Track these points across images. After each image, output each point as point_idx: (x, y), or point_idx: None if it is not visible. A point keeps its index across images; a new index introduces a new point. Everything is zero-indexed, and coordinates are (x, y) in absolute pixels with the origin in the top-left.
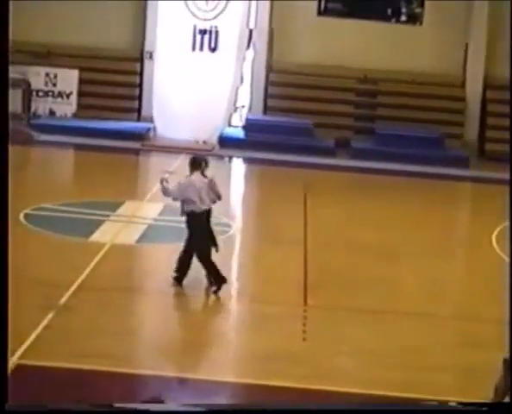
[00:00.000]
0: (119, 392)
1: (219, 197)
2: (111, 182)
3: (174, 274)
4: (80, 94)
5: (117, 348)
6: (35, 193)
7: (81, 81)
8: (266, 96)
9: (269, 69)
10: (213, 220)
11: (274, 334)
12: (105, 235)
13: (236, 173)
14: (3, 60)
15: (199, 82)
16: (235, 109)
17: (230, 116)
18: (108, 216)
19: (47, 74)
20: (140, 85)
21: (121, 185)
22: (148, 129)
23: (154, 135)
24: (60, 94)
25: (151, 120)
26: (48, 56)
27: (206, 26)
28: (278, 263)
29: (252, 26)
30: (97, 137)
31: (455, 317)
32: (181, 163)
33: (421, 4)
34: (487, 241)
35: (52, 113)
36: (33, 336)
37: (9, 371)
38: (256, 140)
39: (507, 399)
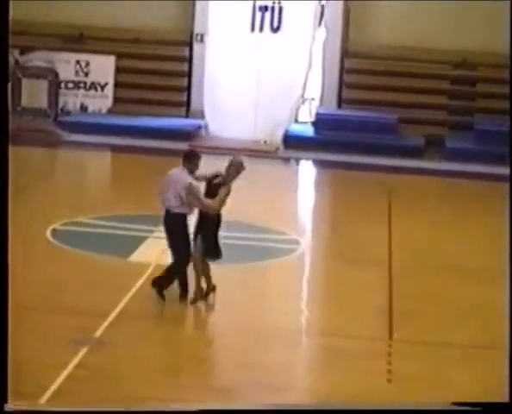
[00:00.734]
0: None
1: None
2: (155, 190)
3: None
4: (117, 85)
5: (165, 389)
6: (65, 205)
7: (118, 70)
8: (341, 85)
9: (344, 53)
10: (278, 236)
11: (352, 374)
12: (149, 253)
13: (305, 179)
14: (3, 56)
15: (259, 69)
16: (303, 102)
17: (297, 110)
18: (151, 231)
19: (78, 62)
20: (189, 74)
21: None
22: (198, 127)
23: (205, 134)
24: (94, 85)
25: (201, 116)
26: (80, 40)
27: (267, 2)
28: (357, 288)
29: (323, 1)
30: (138, 137)
31: None
32: None
33: None
34: None
35: (83, 108)
36: (63, 377)
37: None
38: (328, 138)
39: (506, 399)
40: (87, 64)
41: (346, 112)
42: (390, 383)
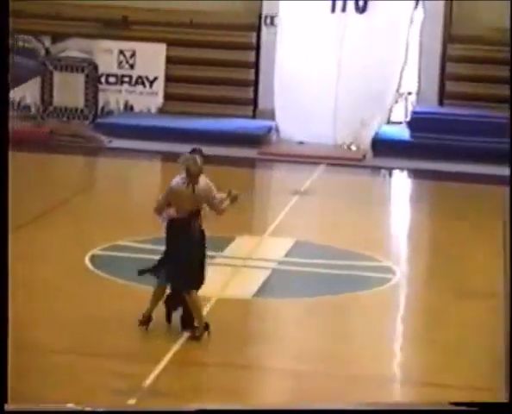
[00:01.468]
0: None
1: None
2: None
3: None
4: (169, 79)
5: None
6: (106, 225)
7: (170, 61)
8: (443, 77)
9: (447, 38)
10: (368, 262)
11: None
12: (209, 285)
13: (399, 193)
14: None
15: (341, 58)
16: (397, 98)
17: (389, 108)
18: (212, 257)
19: (122, 52)
20: (256, 65)
21: (229, 212)
22: (268, 130)
23: (276, 138)
24: (141, 80)
25: (271, 115)
26: (123, 25)
27: None
28: (467, 326)
29: None
30: (194, 142)
31: None
32: (317, 179)
33: None
34: None
35: (128, 108)
36: None
37: None
38: (427, 143)
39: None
40: (132, 54)
41: (448, 110)
42: None
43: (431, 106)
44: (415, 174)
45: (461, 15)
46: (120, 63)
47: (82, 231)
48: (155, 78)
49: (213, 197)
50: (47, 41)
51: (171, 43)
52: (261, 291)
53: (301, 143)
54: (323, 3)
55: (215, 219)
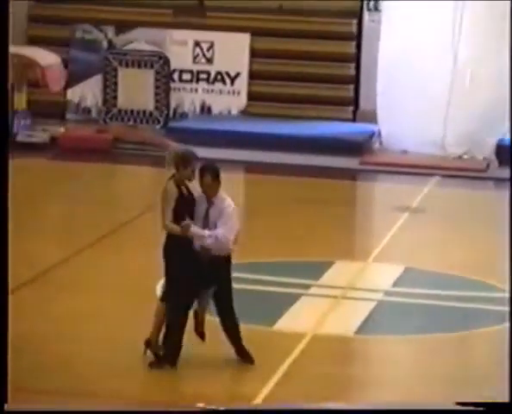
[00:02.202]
0: None
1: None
2: (310, 229)
3: None
4: (253, 76)
5: None
6: None
7: (254, 54)
8: None
9: None
10: (488, 293)
11: None
12: (303, 319)
13: None
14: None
15: (457, 50)
16: None
17: None
18: (307, 287)
19: (198, 43)
20: (357, 59)
21: (326, 233)
22: (370, 135)
23: (379, 146)
24: (220, 77)
25: (375, 118)
26: (200, 11)
27: None
28: None
29: None
30: (283, 150)
31: None
32: (430, 193)
33: None
34: None
35: (206, 110)
36: None
37: None
38: None
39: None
40: (210, 46)
41: None
42: None
43: None
44: None
45: None
46: (195, 57)
47: (152, 255)
48: (237, 75)
49: None
50: (111, 32)
51: (255, 33)
52: (365, 327)
53: (404, 152)
54: None
55: (310, 241)
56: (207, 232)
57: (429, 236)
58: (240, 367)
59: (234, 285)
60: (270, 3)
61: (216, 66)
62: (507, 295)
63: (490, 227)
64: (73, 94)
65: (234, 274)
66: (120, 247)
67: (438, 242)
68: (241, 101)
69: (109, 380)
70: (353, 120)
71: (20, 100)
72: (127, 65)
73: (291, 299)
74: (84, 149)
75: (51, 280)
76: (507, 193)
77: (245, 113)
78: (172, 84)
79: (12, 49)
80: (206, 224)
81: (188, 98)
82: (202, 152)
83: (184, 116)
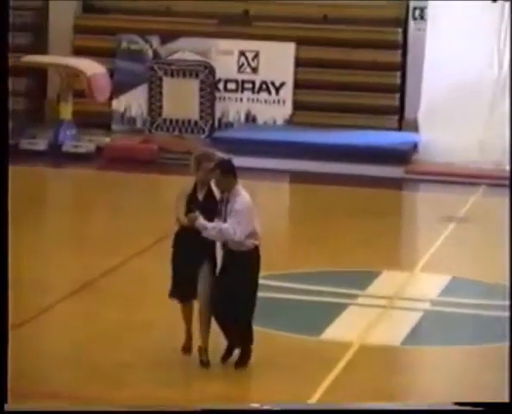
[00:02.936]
0: None
1: None
2: (356, 238)
3: None
4: (299, 85)
5: None
6: None
7: (300, 63)
8: None
9: None
10: None
11: None
12: (350, 328)
13: None
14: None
15: (506, 58)
16: None
17: None
18: (354, 296)
19: (243, 53)
20: (403, 68)
21: (373, 243)
22: (414, 145)
23: (425, 154)
24: (266, 86)
25: (418, 128)
26: (245, 20)
27: None
28: None
29: None
30: (328, 160)
31: None
32: (478, 203)
33: None
34: None
35: (251, 119)
36: None
37: None
38: None
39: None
40: (255, 55)
41: None
42: None
43: None
44: None
45: None
46: (241, 66)
47: None
48: (282, 84)
49: None
50: (156, 42)
51: (301, 42)
52: (412, 338)
53: (449, 161)
54: None
55: (356, 251)
56: (210, 224)
57: (476, 246)
58: (287, 377)
59: (283, 296)
60: (315, 12)
61: (261, 76)
62: None
63: None
64: (119, 104)
65: (284, 284)
66: (166, 256)
67: (485, 252)
68: (286, 110)
69: (163, 390)
70: (399, 129)
71: (65, 110)
72: (172, 75)
73: (339, 309)
74: (129, 159)
75: (98, 290)
76: None
77: (290, 122)
78: (217, 94)
79: (58, 60)
80: (224, 221)
81: (233, 108)
82: (248, 162)
83: (229, 125)
